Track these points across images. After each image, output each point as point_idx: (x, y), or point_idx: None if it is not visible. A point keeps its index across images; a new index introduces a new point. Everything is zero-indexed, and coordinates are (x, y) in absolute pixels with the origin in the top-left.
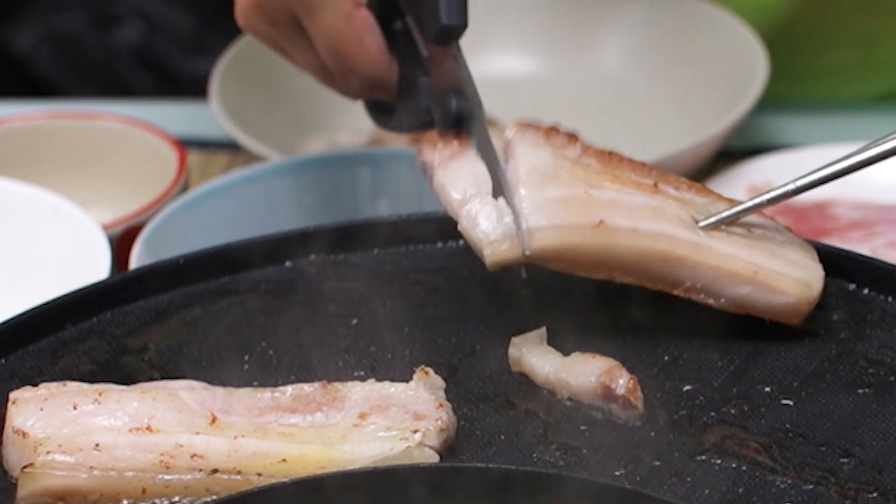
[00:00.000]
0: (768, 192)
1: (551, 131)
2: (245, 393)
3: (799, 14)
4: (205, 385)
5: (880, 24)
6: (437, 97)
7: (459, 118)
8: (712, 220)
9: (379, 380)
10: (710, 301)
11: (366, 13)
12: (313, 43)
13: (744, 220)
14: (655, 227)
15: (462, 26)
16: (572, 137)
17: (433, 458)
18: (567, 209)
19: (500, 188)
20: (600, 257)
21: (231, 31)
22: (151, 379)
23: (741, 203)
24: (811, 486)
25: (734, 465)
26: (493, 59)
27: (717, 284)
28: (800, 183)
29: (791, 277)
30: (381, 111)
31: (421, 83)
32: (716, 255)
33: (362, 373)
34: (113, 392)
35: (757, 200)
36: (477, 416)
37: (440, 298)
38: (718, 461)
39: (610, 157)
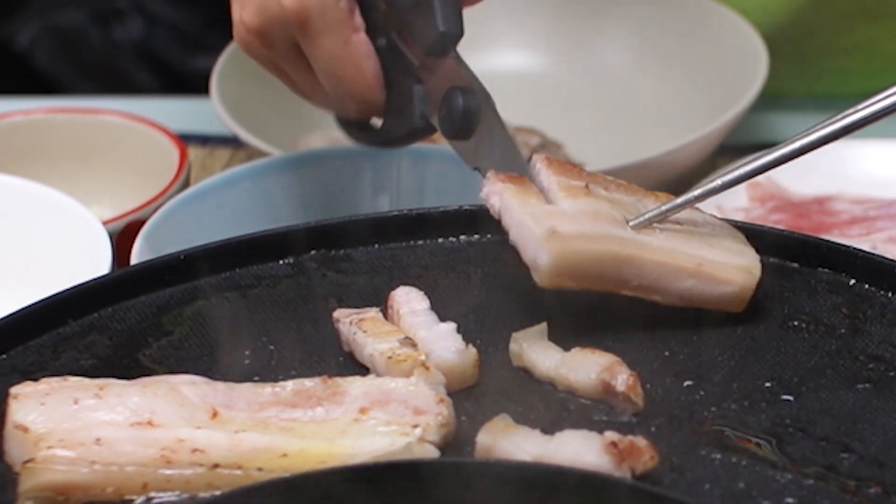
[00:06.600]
0: (695, 188)
1: None
2: (246, 388)
3: (800, 18)
4: (206, 380)
5: (881, 30)
6: (441, 100)
7: (466, 114)
8: (642, 218)
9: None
10: (657, 298)
11: (364, 38)
12: (313, 67)
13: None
14: (599, 229)
15: (458, 34)
16: None
17: (434, 453)
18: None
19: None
20: (557, 265)
21: (232, 28)
22: (152, 374)
23: (669, 200)
24: (812, 481)
25: (734, 460)
26: (495, 55)
27: (663, 281)
28: (727, 178)
29: (732, 266)
30: (354, 125)
31: (415, 91)
32: (659, 251)
33: (363, 368)
34: (114, 387)
35: (685, 197)
36: (477, 411)
37: (441, 294)
38: (719, 456)
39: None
